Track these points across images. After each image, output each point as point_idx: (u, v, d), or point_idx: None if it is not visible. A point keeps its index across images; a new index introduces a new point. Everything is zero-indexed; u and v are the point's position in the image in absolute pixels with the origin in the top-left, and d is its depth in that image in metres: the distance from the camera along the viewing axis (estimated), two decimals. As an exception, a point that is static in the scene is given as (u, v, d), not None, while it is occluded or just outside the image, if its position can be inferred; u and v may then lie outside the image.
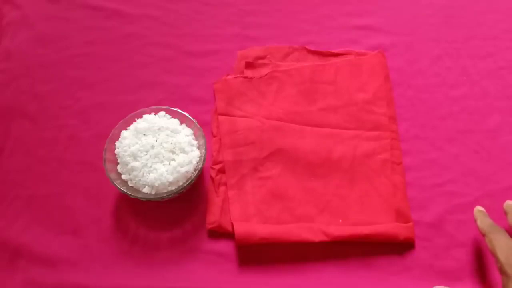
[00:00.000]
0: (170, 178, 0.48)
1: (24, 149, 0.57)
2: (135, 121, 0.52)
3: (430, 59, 0.62)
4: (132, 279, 0.48)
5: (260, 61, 0.62)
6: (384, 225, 0.50)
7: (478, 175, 0.54)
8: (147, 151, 0.49)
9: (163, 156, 0.49)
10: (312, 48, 0.63)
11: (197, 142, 0.52)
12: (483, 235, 0.45)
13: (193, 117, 0.53)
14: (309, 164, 0.54)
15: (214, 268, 0.49)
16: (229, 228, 0.50)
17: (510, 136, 0.56)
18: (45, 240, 0.51)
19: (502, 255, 0.42)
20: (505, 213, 0.46)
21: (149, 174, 0.49)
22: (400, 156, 0.55)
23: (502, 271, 0.42)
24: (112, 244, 0.51)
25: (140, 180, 0.49)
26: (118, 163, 0.51)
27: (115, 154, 0.51)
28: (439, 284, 0.47)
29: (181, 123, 0.53)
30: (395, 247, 0.50)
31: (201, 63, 0.62)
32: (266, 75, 0.60)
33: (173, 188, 0.49)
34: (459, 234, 0.50)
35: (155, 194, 0.49)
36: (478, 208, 0.48)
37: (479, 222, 0.46)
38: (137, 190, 0.50)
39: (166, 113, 0.53)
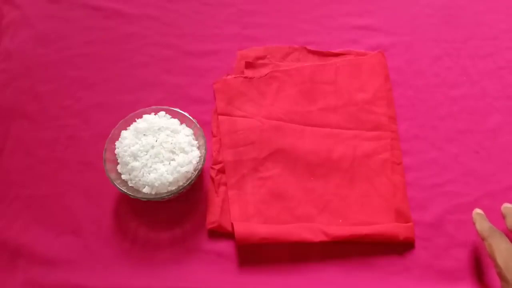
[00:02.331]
0: (170, 178, 0.48)
1: (24, 149, 0.57)
2: (135, 121, 0.52)
3: (430, 59, 0.62)
4: (132, 279, 0.48)
5: (260, 61, 0.62)
6: (384, 225, 0.50)
7: (478, 175, 0.54)
8: (147, 151, 0.49)
9: (163, 156, 0.49)
10: (312, 48, 0.63)
11: (197, 142, 0.52)
12: (482, 239, 0.44)
13: (193, 117, 0.53)
14: (309, 164, 0.54)
15: (214, 268, 0.49)
16: (229, 228, 0.50)
17: (510, 136, 0.56)
18: (45, 240, 0.51)
19: (501, 260, 0.41)
20: (503, 216, 0.46)
21: (149, 174, 0.49)
22: (400, 156, 0.55)
23: (501, 276, 0.41)
24: (112, 244, 0.51)
25: (140, 180, 0.49)
26: (118, 163, 0.51)
27: (115, 154, 0.51)
28: (438, 284, 0.47)
29: (181, 123, 0.53)
30: (395, 247, 0.50)
31: (201, 63, 0.62)
32: (266, 75, 0.60)
33: (173, 188, 0.49)
34: (459, 234, 0.50)
35: (155, 194, 0.49)
36: (477, 211, 0.47)
37: (478, 226, 0.45)
38: (137, 190, 0.50)
39: (166, 113, 0.53)
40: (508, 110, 0.58)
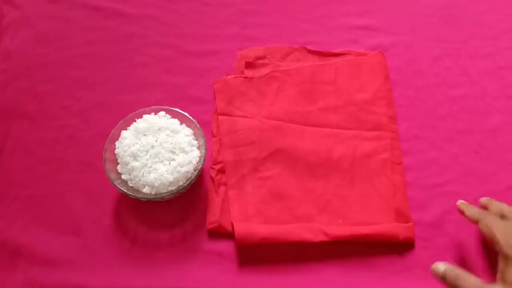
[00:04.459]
0: (170, 178, 0.48)
1: (24, 149, 0.57)
2: (135, 121, 0.52)
3: (430, 59, 0.62)
4: (132, 279, 0.48)
5: (260, 61, 0.62)
6: (384, 225, 0.50)
7: (478, 175, 0.54)
8: (147, 151, 0.49)
9: (163, 156, 0.49)
10: (312, 48, 0.63)
11: (197, 142, 0.52)
12: (476, 222, 0.44)
13: (193, 117, 0.53)
14: (309, 164, 0.54)
15: (214, 268, 0.49)
16: (229, 228, 0.50)
17: (510, 136, 0.56)
18: (45, 240, 0.51)
19: (501, 236, 0.41)
20: (484, 207, 0.47)
21: (149, 174, 0.49)
22: (400, 156, 0.55)
23: (502, 254, 0.41)
24: (112, 244, 0.51)
25: (140, 180, 0.49)
26: (118, 163, 0.51)
27: (115, 154, 0.51)
28: (438, 284, 0.47)
29: (181, 123, 0.53)
30: (395, 247, 0.50)
31: (201, 63, 0.62)
32: (266, 75, 0.60)
33: (173, 188, 0.49)
34: (459, 234, 0.50)
35: (155, 194, 0.49)
36: (460, 201, 0.49)
37: (467, 212, 0.46)
38: (137, 190, 0.50)
39: (166, 113, 0.53)
40: (508, 110, 0.58)
